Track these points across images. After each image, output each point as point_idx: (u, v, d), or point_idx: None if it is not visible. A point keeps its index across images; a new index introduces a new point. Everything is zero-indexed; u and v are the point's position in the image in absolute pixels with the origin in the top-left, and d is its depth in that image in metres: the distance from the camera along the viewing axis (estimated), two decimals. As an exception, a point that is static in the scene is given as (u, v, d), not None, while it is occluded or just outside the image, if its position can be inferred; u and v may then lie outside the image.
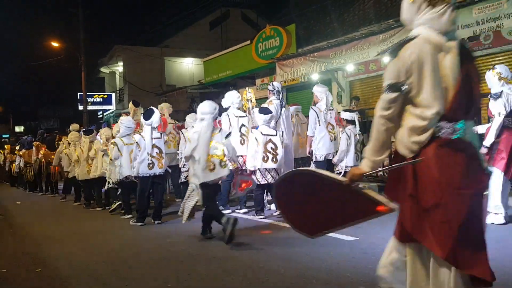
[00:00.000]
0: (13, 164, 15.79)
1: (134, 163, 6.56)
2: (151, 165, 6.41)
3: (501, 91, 5.06)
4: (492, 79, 5.16)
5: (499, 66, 5.26)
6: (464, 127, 2.17)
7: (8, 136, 33.44)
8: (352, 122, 7.40)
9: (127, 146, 7.14)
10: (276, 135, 6.55)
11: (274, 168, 6.51)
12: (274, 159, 6.49)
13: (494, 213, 5.10)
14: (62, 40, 25.21)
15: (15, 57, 45.27)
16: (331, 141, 7.24)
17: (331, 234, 5.04)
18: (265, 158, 6.45)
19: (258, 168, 6.52)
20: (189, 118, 8.09)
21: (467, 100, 2.18)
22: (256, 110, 6.92)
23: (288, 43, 13.06)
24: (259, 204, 6.66)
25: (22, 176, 14.85)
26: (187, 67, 26.33)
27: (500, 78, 5.09)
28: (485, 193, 2.25)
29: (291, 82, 13.31)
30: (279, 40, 13.32)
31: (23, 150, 14.36)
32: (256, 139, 6.45)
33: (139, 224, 6.53)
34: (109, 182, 7.87)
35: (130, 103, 9.25)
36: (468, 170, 2.14)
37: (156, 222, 6.54)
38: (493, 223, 5.06)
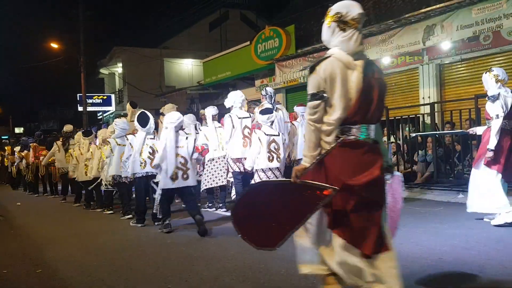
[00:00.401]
0: (14, 166, 15.76)
1: (126, 164, 6.64)
2: (143, 164, 6.41)
3: (498, 93, 5.04)
4: (489, 81, 5.16)
5: (496, 68, 5.26)
6: (366, 129, 2.66)
7: (8, 137, 33.44)
8: None
9: (120, 146, 7.35)
10: (279, 135, 6.56)
11: (277, 167, 6.47)
12: (278, 159, 6.47)
13: (506, 212, 5.06)
14: (61, 41, 25.24)
15: (15, 58, 45.26)
16: None
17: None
18: (270, 158, 6.39)
19: (262, 168, 6.44)
20: (186, 118, 7.93)
21: (368, 108, 2.64)
22: (257, 110, 6.93)
23: (288, 44, 13.07)
24: None
25: (23, 177, 14.83)
26: (186, 68, 26.35)
27: (497, 81, 5.08)
28: (393, 177, 2.89)
29: (290, 83, 13.32)
30: (278, 41, 13.33)
31: (25, 151, 14.34)
32: (260, 140, 6.42)
33: (139, 225, 6.54)
34: (105, 185, 7.93)
35: (128, 104, 9.26)
36: (361, 164, 2.63)
37: (156, 223, 6.53)
38: (506, 223, 5.03)
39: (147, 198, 6.84)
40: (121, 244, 5.55)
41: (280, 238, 2.79)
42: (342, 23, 2.67)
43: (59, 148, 10.84)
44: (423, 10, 8.88)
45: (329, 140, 2.66)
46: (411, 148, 8.90)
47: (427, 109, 9.27)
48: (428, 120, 9.15)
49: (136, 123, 6.54)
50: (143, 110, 6.77)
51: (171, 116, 5.97)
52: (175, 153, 5.77)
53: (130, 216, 7.39)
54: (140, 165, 6.41)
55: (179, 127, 5.95)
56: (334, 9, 2.73)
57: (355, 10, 2.67)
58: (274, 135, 6.48)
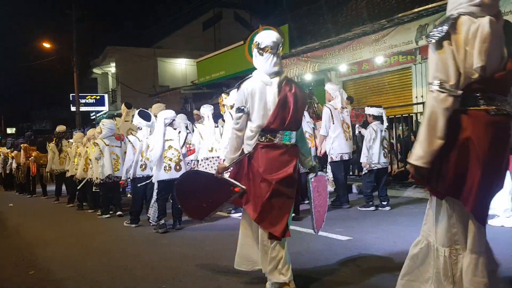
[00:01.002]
0: (6, 167, 15.64)
1: (128, 165, 6.53)
2: (143, 166, 6.38)
3: None
4: None
5: None
6: (283, 135, 3.25)
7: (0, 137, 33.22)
8: (378, 118, 6.84)
9: (108, 147, 7.44)
10: None
11: None
12: None
13: (506, 217, 5.02)
14: (54, 41, 25.13)
15: (7, 58, 44.90)
16: (346, 140, 6.93)
17: (325, 235, 5.09)
18: None
19: None
20: (177, 118, 7.81)
21: (284, 117, 3.23)
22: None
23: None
24: None
25: (14, 178, 14.74)
26: (180, 67, 26.29)
27: None
28: (318, 176, 3.57)
29: (284, 83, 13.30)
30: (272, 40, 13.31)
31: (15, 151, 14.25)
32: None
33: (133, 225, 6.52)
34: (95, 185, 7.96)
35: (123, 105, 9.24)
36: (278, 163, 3.22)
37: (151, 223, 6.50)
38: (502, 226, 4.99)
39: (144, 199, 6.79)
40: (115, 244, 5.53)
41: (205, 215, 3.68)
42: (260, 49, 3.32)
43: (54, 152, 10.80)
44: (415, 10, 8.91)
45: (251, 143, 3.27)
46: (405, 147, 8.94)
47: (420, 108, 9.32)
48: (421, 119, 9.20)
49: (139, 119, 6.45)
50: (141, 108, 6.78)
51: (167, 112, 6.09)
52: (168, 146, 5.90)
53: (108, 216, 7.60)
54: (140, 167, 6.37)
55: (169, 122, 6.03)
56: (255, 39, 3.40)
57: (269, 39, 3.31)
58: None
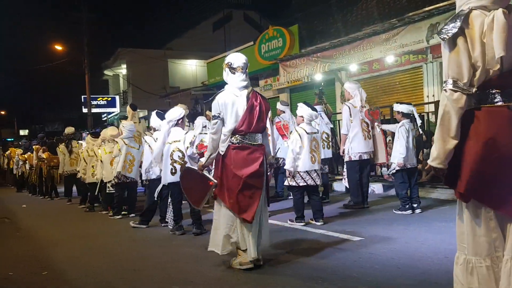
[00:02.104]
0: (18, 168, 15.80)
1: (146, 165, 6.50)
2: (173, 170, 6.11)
3: None
4: None
5: None
6: (250, 137, 3.97)
7: (12, 139, 33.58)
8: (407, 115, 6.43)
9: (127, 147, 7.41)
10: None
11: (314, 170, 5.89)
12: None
13: None
14: (66, 43, 25.37)
15: (19, 60, 45.45)
16: (365, 139, 6.76)
17: (336, 235, 5.08)
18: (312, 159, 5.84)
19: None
20: (200, 119, 7.62)
21: (251, 122, 3.94)
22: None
23: (291, 43, 13.03)
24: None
25: (26, 179, 14.90)
26: (190, 68, 26.39)
27: None
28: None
29: (294, 83, 13.29)
30: (282, 40, 13.30)
31: (28, 153, 14.39)
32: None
33: (143, 226, 6.51)
34: (108, 187, 7.99)
35: (128, 107, 9.27)
36: (247, 161, 3.94)
37: (162, 224, 6.52)
38: None
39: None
40: (126, 245, 5.56)
41: (199, 203, 4.44)
42: (232, 69, 4.05)
43: (64, 154, 10.92)
44: (426, 9, 8.83)
45: (224, 145, 3.95)
46: (416, 146, 8.85)
47: (431, 108, 9.23)
48: (433, 118, 9.10)
49: (157, 120, 6.43)
50: (157, 110, 6.76)
51: (173, 112, 5.91)
52: (174, 148, 5.72)
53: (120, 216, 7.59)
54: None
55: (174, 123, 5.85)
56: (227, 59, 4.13)
57: (240, 61, 4.06)
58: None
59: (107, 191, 8.09)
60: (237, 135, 3.94)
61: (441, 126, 2.27)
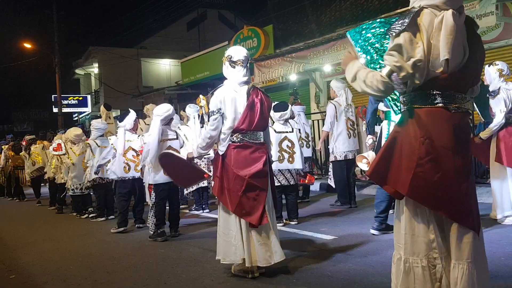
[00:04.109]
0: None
1: (110, 165, 6.39)
2: (126, 168, 6.16)
3: (499, 88, 4.92)
4: (492, 75, 5.00)
5: (500, 62, 5.11)
6: (251, 135, 3.72)
7: (-20, 140, 32.59)
8: None
9: (101, 148, 7.18)
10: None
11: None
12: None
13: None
14: (36, 41, 24.72)
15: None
16: (350, 137, 6.75)
17: (310, 234, 5.10)
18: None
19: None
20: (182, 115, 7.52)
21: (252, 120, 3.70)
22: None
23: (266, 44, 13.05)
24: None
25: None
26: (164, 68, 26.13)
27: (500, 75, 4.96)
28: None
29: (269, 83, 13.29)
30: (256, 41, 13.31)
31: None
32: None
33: (121, 229, 6.18)
34: (71, 189, 7.86)
35: (102, 106, 9.10)
36: (250, 160, 3.68)
37: (136, 225, 6.41)
38: None
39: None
40: (96, 247, 5.45)
41: (188, 184, 5.09)
42: (232, 62, 3.80)
43: (26, 157, 10.91)
44: (399, 11, 8.93)
45: (224, 144, 3.71)
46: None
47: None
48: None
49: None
50: (129, 109, 6.49)
51: (160, 108, 5.60)
52: (167, 146, 5.45)
53: (103, 218, 7.42)
54: (124, 169, 6.12)
55: (168, 120, 5.63)
56: (227, 52, 3.88)
57: (241, 54, 3.81)
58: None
59: (72, 194, 7.94)
60: (237, 134, 3.70)
61: (362, 83, 2.32)
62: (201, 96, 6.95)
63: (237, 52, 3.85)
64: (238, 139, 3.70)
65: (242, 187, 3.63)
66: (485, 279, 2.28)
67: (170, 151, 4.94)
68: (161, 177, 5.39)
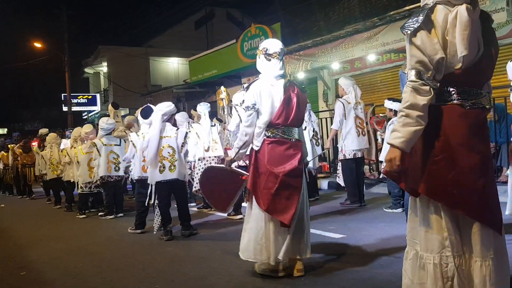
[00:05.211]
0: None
1: (131, 164, 6.23)
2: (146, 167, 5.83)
3: None
4: None
5: None
6: (287, 131, 3.61)
7: (-9, 138, 32.90)
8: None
9: (106, 147, 7.20)
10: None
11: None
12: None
13: None
14: (46, 40, 24.92)
15: (-3, 58, 44.50)
16: (359, 136, 6.68)
17: (319, 232, 5.08)
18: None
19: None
20: (179, 116, 7.42)
21: (288, 115, 3.59)
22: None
23: (274, 41, 13.03)
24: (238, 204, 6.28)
25: (1, 179, 14.59)
26: (172, 66, 26.18)
27: None
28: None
29: (277, 81, 13.29)
30: (264, 39, 13.25)
31: (2, 152, 14.12)
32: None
33: (138, 231, 5.97)
34: (81, 187, 7.86)
35: (110, 105, 9.13)
36: (284, 157, 3.57)
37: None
38: None
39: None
40: (105, 245, 5.48)
41: (226, 205, 4.37)
42: (268, 55, 3.69)
43: (39, 153, 10.76)
44: (407, 8, 8.90)
45: (259, 139, 3.61)
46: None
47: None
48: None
49: (139, 117, 6.10)
50: (148, 105, 6.25)
51: (162, 104, 5.55)
52: (164, 143, 5.38)
53: (112, 216, 7.40)
54: (142, 168, 5.88)
55: (169, 116, 5.54)
56: (262, 44, 3.78)
57: (277, 46, 3.71)
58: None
59: (80, 192, 7.94)
60: (272, 129, 3.59)
61: (407, 117, 2.18)
62: (222, 87, 6.93)
63: (273, 44, 3.74)
64: (273, 134, 3.60)
65: (276, 185, 3.52)
66: (507, 274, 2.25)
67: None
68: (157, 175, 5.34)
